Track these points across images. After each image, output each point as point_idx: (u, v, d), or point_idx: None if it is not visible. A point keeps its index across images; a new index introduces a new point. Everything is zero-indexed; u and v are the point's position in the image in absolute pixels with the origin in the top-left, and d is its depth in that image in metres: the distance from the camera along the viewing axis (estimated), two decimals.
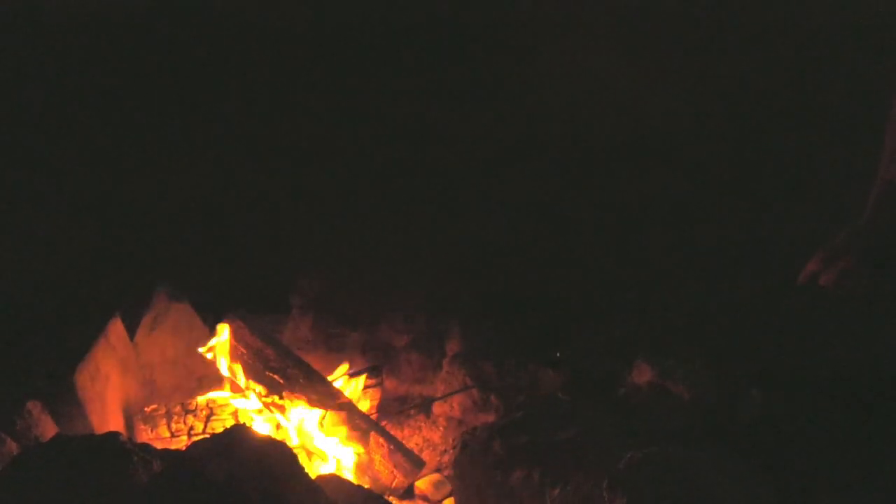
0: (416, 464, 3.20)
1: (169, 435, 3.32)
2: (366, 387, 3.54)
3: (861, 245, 2.29)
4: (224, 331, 3.44)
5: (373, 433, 3.22)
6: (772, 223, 5.19)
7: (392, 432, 3.37)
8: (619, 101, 7.55)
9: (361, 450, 3.19)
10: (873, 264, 2.29)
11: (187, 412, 3.38)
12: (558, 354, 3.36)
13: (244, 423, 3.12)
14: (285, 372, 3.32)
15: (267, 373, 3.34)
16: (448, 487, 3.16)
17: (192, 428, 3.33)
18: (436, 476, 3.25)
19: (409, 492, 3.21)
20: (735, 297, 4.24)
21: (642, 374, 3.35)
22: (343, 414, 3.24)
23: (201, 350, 3.49)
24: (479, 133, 6.85)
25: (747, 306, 4.16)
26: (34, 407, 2.97)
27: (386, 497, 2.85)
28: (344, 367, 3.60)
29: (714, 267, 4.63)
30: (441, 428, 3.55)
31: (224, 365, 3.46)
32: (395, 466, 3.16)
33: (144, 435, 3.31)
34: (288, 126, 7.11)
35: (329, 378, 3.47)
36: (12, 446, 2.80)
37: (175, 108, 7.34)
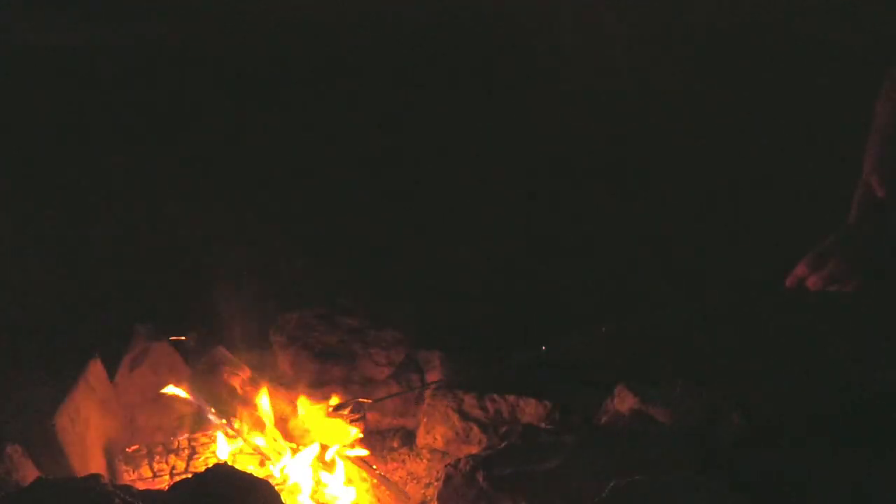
0: (400, 498, 3.19)
1: (151, 475, 3.30)
2: (349, 422, 3.53)
3: (849, 248, 2.31)
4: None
5: (357, 468, 3.22)
6: (754, 235, 5.24)
7: (375, 466, 3.36)
8: (600, 118, 7.61)
9: (345, 485, 3.18)
10: (861, 268, 2.31)
11: (169, 451, 3.36)
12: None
13: (226, 462, 3.11)
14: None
15: (247, 410, 3.33)
16: None
17: (174, 467, 3.31)
18: None
19: None
20: (716, 314, 4.27)
21: (624, 402, 3.37)
22: (326, 450, 3.23)
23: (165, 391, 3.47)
24: (458, 161, 6.88)
25: (729, 324, 4.19)
26: (14, 451, 2.94)
27: None
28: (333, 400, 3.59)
29: (696, 283, 4.66)
30: (425, 460, 3.54)
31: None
32: (379, 501, 3.15)
33: (126, 476, 3.28)
34: (264, 157, 7.13)
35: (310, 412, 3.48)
36: None
37: (149, 142, 7.34)
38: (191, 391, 3.44)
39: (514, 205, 6.05)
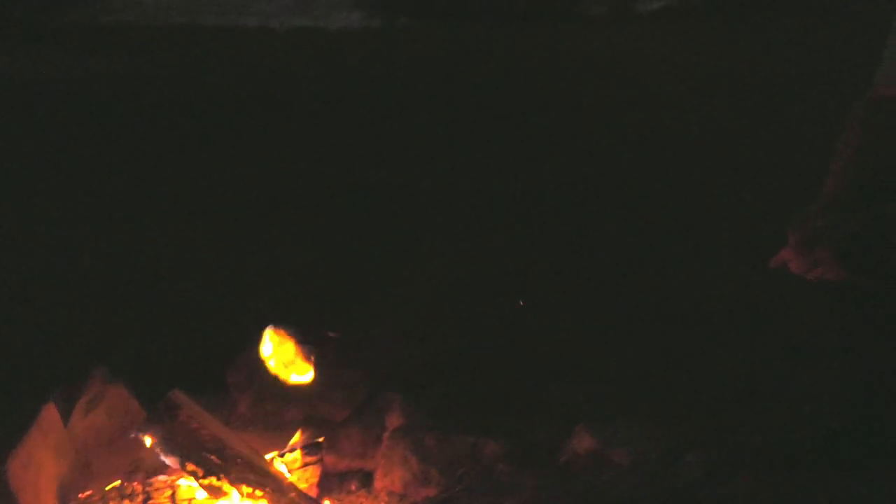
0: None
1: None
2: (305, 464, 3.50)
3: (835, 236, 2.31)
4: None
5: None
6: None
7: None
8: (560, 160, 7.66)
9: None
10: (850, 259, 2.30)
11: (123, 497, 3.33)
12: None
13: None
14: (223, 452, 3.27)
15: (204, 453, 3.29)
16: None
17: None
18: None
19: None
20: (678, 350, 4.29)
21: (582, 442, 3.36)
22: (283, 493, 3.20)
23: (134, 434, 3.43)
24: (421, 202, 6.90)
25: (694, 354, 4.21)
26: None
27: None
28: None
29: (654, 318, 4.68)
30: (383, 503, 3.51)
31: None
32: None
33: None
34: (224, 195, 7.10)
35: (268, 456, 3.45)
36: None
37: (106, 179, 7.31)
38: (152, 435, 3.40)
39: (478, 242, 6.06)
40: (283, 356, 3.51)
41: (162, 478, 3.43)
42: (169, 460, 3.40)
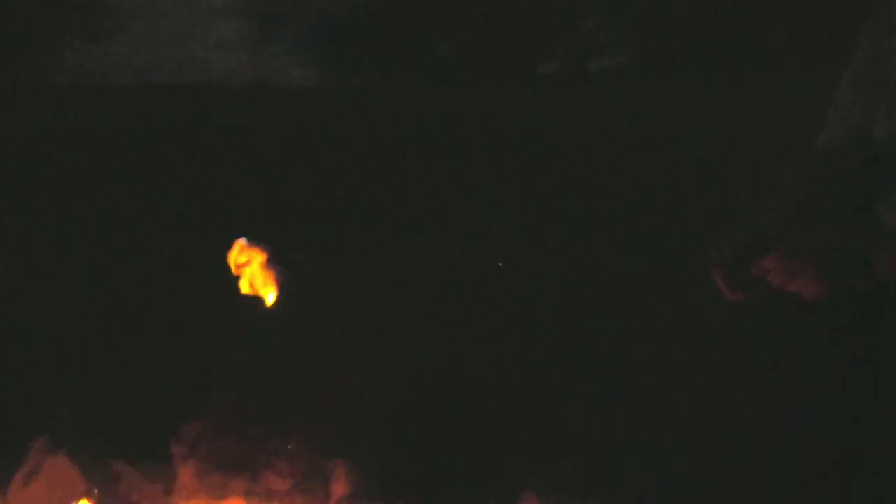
0: None
1: None
2: None
3: (824, 250, 2.24)
4: None
5: None
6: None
7: None
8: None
9: None
10: (833, 273, 2.23)
11: None
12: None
13: None
14: None
15: None
16: None
17: None
18: None
19: None
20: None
21: None
22: None
23: None
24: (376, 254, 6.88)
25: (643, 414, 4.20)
26: None
27: None
28: None
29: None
30: None
31: None
32: None
33: None
34: (179, 255, 7.04)
35: None
36: None
37: (54, 236, 7.22)
38: None
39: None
40: (249, 271, 3.52)
41: None
42: None
